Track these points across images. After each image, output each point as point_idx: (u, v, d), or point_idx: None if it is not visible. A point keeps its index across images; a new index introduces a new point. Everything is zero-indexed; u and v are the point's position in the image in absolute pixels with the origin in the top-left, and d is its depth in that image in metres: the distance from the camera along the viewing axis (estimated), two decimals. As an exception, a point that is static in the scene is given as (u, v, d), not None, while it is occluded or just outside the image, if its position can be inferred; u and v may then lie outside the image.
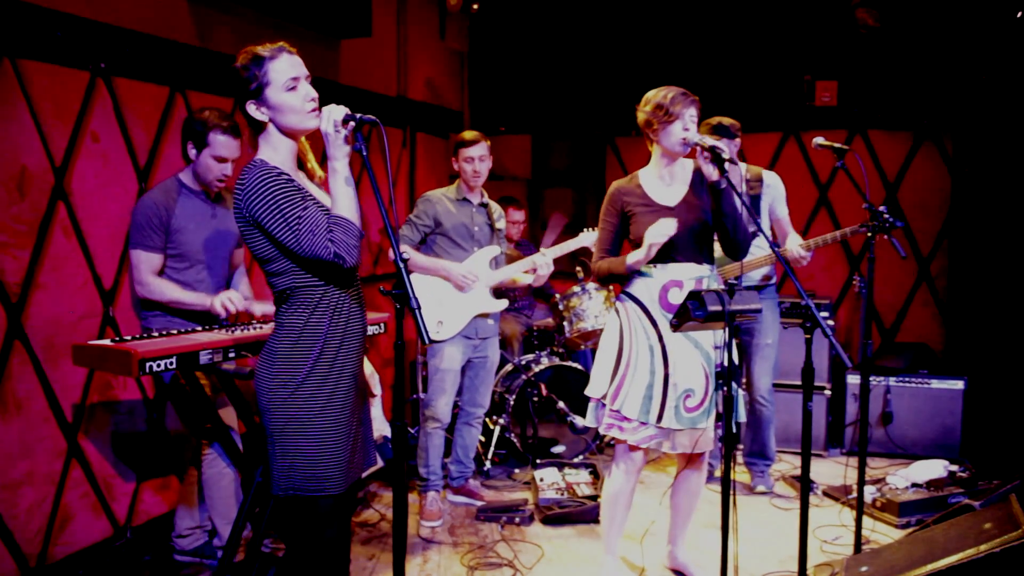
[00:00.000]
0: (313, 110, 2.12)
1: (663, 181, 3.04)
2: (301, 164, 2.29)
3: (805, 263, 3.90)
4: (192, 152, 3.08)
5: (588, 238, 4.06)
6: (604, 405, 3.05)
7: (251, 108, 2.13)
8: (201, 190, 3.16)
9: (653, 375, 2.94)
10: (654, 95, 2.96)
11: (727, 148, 3.96)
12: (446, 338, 3.91)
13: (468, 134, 3.99)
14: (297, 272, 2.17)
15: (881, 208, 3.35)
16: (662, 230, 2.86)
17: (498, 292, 5.30)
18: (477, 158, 3.92)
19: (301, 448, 2.15)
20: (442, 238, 3.95)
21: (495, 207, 4.13)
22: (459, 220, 3.95)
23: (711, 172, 2.87)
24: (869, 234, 3.26)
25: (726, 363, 2.55)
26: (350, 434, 2.23)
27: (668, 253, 2.94)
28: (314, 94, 2.13)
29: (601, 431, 3.10)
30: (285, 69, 2.10)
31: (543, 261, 3.96)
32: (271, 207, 2.06)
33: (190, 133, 3.07)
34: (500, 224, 4.13)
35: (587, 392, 3.12)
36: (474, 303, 3.98)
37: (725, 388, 2.57)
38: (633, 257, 2.94)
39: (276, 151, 2.18)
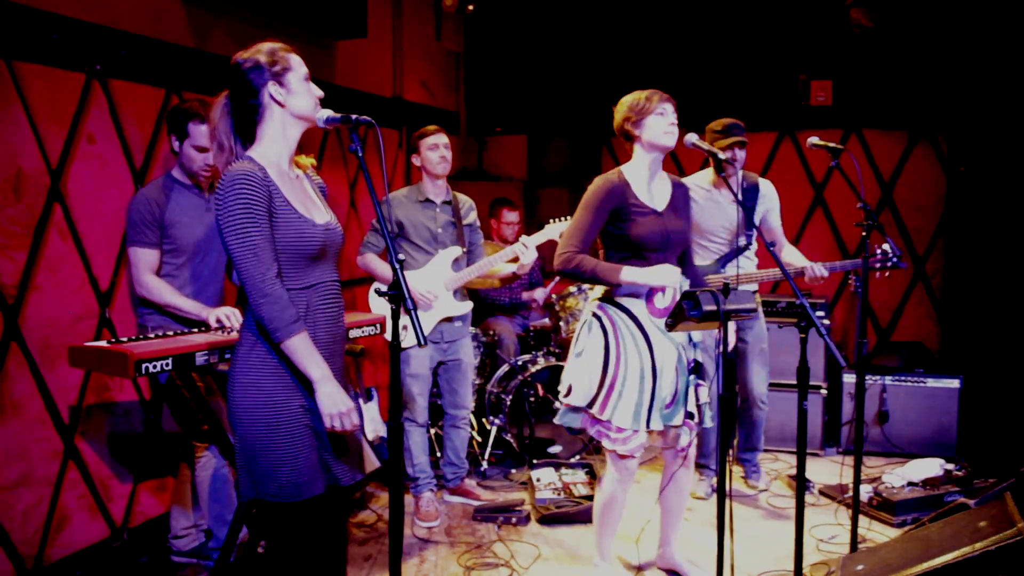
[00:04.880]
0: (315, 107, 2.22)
1: (648, 183, 3.01)
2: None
3: (821, 282, 3.82)
4: (176, 144, 3.10)
5: (558, 229, 3.79)
6: (585, 411, 3.00)
7: (273, 88, 2.16)
8: (192, 184, 3.17)
9: (642, 382, 2.90)
10: (626, 98, 3.00)
11: (739, 154, 3.93)
12: (409, 346, 3.78)
13: (423, 128, 3.95)
14: None
15: (886, 246, 3.36)
16: (673, 278, 2.87)
17: (515, 305, 5.28)
18: (441, 145, 3.87)
19: (257, 453, 2.13)
20: (404, 242, 3.85)
21: (464, 200, 4.03)
22: (421, 222, 3.86)
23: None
24: (864, 234, 3.25)
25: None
26: (313, 441, 2.17)
27: (654, 258, 2.93)
28: (321, 94, 2.23)
29: (590, 434, 3.03)
30: (302, 65, 2.23)
31: (527, 252, 3.81)
32: (231, 222, 2.05)
33: (172, 125, 3.10)
34: (469, 219, 4.01)
35: (568, 400, 3.02)
36: (437, 308, 3.88)
37: (723, 390, 2.59)
38: (632, 275, 2.85)
39: (274, 142, 2.18)
